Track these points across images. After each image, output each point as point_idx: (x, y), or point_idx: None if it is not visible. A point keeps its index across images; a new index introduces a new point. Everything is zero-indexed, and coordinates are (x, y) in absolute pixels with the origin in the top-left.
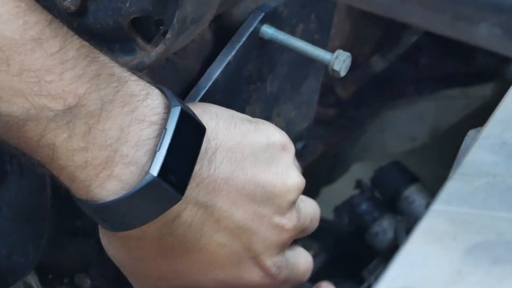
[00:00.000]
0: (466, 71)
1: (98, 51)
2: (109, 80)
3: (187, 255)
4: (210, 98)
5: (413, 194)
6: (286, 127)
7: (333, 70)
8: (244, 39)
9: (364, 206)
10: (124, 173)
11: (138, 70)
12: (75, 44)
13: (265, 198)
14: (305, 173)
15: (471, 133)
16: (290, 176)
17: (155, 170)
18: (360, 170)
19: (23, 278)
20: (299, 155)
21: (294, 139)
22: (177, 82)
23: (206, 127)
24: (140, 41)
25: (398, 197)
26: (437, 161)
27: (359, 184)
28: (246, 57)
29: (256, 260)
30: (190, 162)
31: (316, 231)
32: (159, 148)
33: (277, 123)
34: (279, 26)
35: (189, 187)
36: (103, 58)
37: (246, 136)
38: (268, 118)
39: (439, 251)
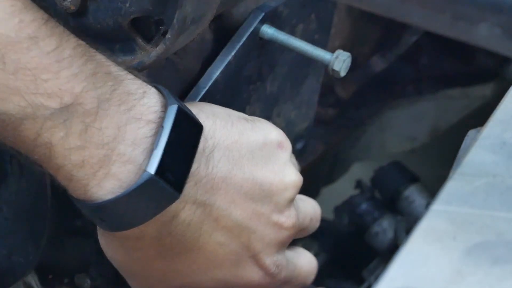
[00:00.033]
0: (466, 71)
1: (94, 50)
2: (105, 79)
3: (186, 254)
4: (210, 98)
5: (413, 194)
6: (286, 127)
7: (333, 70)
8: (244, 39)
9: (364, 206)
10: (121, 171)
11: (138, 70)
12: (72, 43)
13: (263, 196)
14: (305, 173)
15: (471, 133)
16: (287, 173)
17: (152, 169)
18: (360, 170)
19: (23, 278)
20: (299, 155)
21: (294, 139)
22: (177, 82)
23: (203, 126)
24: (140, 41)
25: (398, 197)
26: (437, 161)
27: (359, 184)
28: (246, 57)
29: (255, 259)
30: (188, 160)
31: (316, 231)
32: (156, 146)
33: (277, 123)
34: (279, 26)
35: (187, 186)
36: (100, 57)
37: (243, 134)
38: (268, 118)
39: (439, 251)
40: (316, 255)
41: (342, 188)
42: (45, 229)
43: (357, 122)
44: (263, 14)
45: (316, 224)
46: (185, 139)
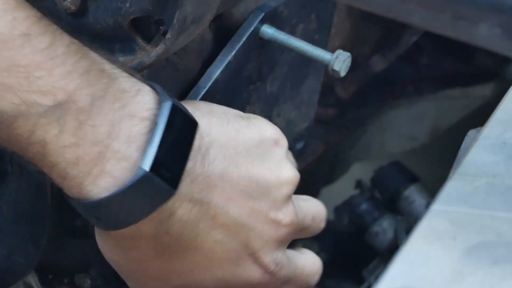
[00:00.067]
0: (466, 71)
1: (88, 49)
2: (99, 77)
3: (184, 253)
4: (210, 98)
5: (413, 194)
6: (286, 127)
7: (333, 70)
8: (244, 39)
9: (364, 206)
10: (116, 169)
11: (138, 70)
12: (65, 41)
13: (260, 193)
14: (305, 173)
15: (471, 133)
16: (284, 170)
17: (146, 165)
18: (360, 170)
19: (23, 278)
20: (299, 155)
21: (294, 139)
22: (177, 82)
23: (199, 124)
24: (140, 41)
25: (398, 197)
26: (437, 161)
27: (359, 184)
28: (246, 57)
29: (254, 256)
30: (183, 157)
31: None
32: (150, 143)
33: (277, 123)
34: (279, 26)
35: (183, 184)
36: (93, 55)
37: (239, 132)
38: (268, 118)
39: (439, 251)
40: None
41: (342, 188)
42: (45, 229)
43: (357, 122)
44: (263, 14)
45: (320, 224)
46: (179, 135)
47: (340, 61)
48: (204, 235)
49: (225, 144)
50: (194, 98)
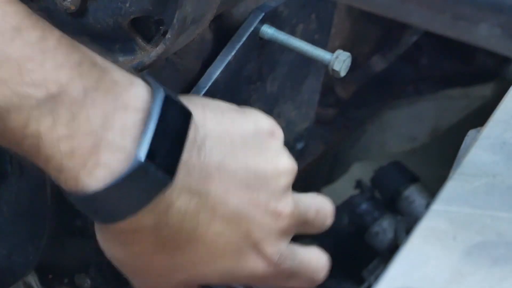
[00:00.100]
0: (466, 71)
1: (78, 43)
2: (91, 69)
3: (185, 246)
4: (210, 98)
5: (413, 194)
6: (286, 127)
7: (333, 70)
8: (244, 39)
9: (364, 206)
10: (111, 160)
11: (138, 70)
12: (55, 35)
13: (259, 184)
14: (305, 173)
15: (471, 133)
16: (281, 160)
17: (142, 155)
18: (360, 170)
19: (23, 278)
20: (299, 155)
21: (294, 139)
22: (177, 82)
23: (194, 116)
24: (140, 41)
25: (398, 197)
26: (437, 161)
27: (359, 184)
28: (246, 57)
29: (256, 248)
30: (178, 146)
31: None
32: (145, 133)
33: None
34: (279, 26)
35: (180, 175)
36: (84, 49)
37: (234, 123)
38: None
39: (439, 251)
40: None
41: (342, 188)
42: (45, 229)
43: (357, 122)
44: (263, 14)
45: (326, 219)
46: (174, 125)
47: (340, 61)
48: (204, 227)
49: (221, 136)
50: None
